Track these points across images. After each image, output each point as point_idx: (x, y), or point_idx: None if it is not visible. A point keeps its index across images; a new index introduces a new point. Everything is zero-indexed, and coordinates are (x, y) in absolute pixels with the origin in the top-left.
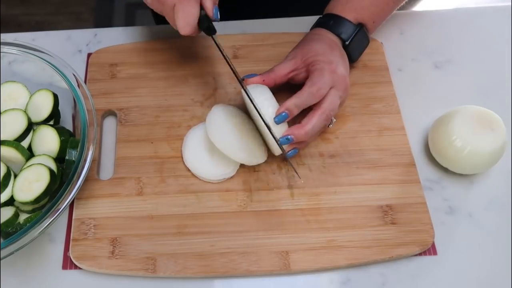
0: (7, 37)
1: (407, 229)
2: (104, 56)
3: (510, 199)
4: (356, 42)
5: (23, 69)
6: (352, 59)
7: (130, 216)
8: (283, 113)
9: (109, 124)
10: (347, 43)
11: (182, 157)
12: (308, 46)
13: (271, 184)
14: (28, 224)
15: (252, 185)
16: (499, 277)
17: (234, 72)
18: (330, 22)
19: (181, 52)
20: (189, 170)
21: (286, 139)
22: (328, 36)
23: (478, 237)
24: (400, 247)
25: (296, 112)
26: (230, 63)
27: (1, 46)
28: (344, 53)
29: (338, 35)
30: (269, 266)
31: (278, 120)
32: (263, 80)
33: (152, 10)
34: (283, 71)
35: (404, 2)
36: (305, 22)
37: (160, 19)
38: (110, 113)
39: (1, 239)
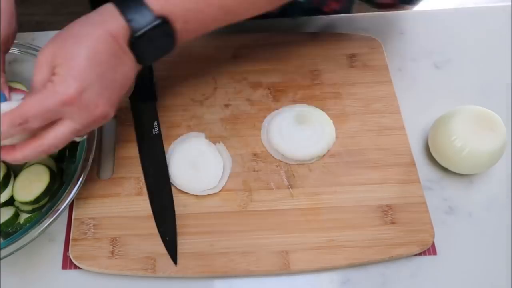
0: None
1: (407, 229)
2: None
3: (510, 199)
4: (150, 40)
5: (23, 69)
6: (142, 61)
7: (129, 216)
8: None
9: (109, 124)
10: (137, 34)
11: None
12: (62, 45)
13: (271, 184)
14: (28, 224)
15: (252, 185)
16: (499, 277)
17: None
18: (127, 1)
19: (180, 51)
20: None
21: None
22: (108, 23)
23: (478, 237)
24: (400, 247)
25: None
26: None
27: None
28: (127, 56)
29: (128, 21)
30: (269, 266)
31: None
32: None
33: None
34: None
35: (236, 19)
36: (305, 22)
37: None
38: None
39: (1, 239)
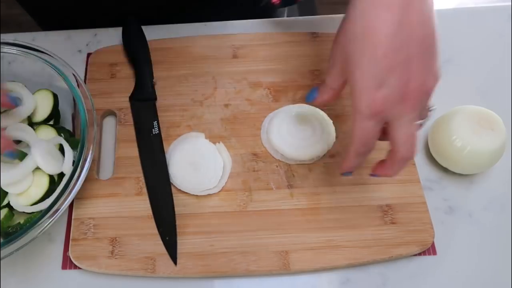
0: (7, 37)
1: (407, 229)
2: (104, 56)
3: (510, 199)
4: None
5: (23, 69)
6: None
7: (129, 216)
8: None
9: (109, 124)
10: None
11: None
12: (345, 36)
13: (271, 184)
14: (28, 224)
15: (252, 185)
16: (499, 277)
17: None
18: None
19: (180, 51)
20: None
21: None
22: None
23: (478, 237)
24: (400, 246)
25: (356, 167)
26: None
27: (1, 46)
28: (420, 9)
29: None
30: (268, 266)
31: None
32: (324, 100)
33: None
34: (337, 84)
35: None
36: (305, 22)
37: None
38: (110, 113)
39: (1, 239)
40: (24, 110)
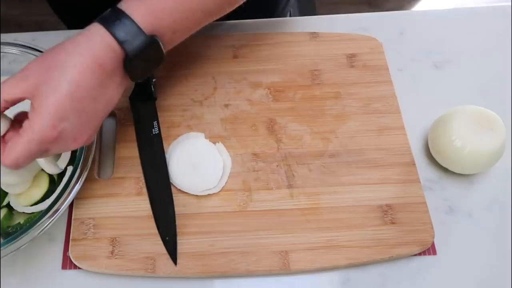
0: (7, 37)
1: (407, 229)
2: None
3: (510, 199)
4: (143, 59)
5: None
6: (134, 77)
7: (129, 216)
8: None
9: (109, 124)
10: (130, 56)
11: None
12: (45, 76)
13: (271, 184)
14: (28, 224)
15: (251, 185)
16: (499, 277)
17: None
18: (115, 21)
19: (180, 51)
20: None
21: None
22: (97, 48)
23: (478, 237)
24: (400, 246)
25: None
26: None
27: (1, 46)
28: (113, 79)
29: (121, 43)
30: (268, 266)
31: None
32: None
33: None
34: (10, 97)
35: (219, 15)
36: (305, 22)
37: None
38: (110, 113)
39: (1, 239)
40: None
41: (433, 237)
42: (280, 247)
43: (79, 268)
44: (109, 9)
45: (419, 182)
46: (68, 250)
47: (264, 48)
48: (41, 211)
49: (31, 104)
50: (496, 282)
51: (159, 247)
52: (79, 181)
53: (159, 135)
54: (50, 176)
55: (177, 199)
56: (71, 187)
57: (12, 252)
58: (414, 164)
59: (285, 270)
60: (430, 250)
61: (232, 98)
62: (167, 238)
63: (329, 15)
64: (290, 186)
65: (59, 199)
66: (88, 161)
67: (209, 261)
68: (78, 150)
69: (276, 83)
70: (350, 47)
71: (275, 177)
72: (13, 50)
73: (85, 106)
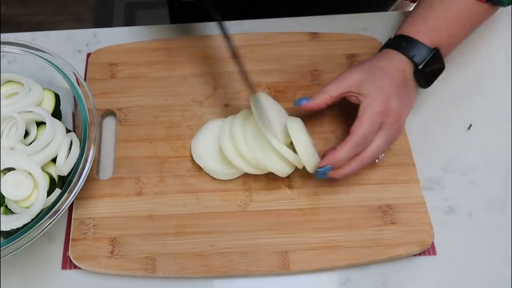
0: (7, 37)
1: (407, 229)
2: (104, 56)
3: (510, 199)
4: (430, 67)
5: (23, 68)
6: (423, 85)
7: (129, 216)
8: (327, 167)
9: (109, 124)
10: (420, 67)
11: (182, 157)
12: (368, 72)
13: (271, 184)
14: (28, 224)
15: (252, 185)
16: (499, 277)
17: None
18: (403, 44)
19: (180, 51)
20: (188, 170)
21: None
22: (396, 60)
23: (478, 237)
24: (400, 247)
25: (342, 164)
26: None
27: (1, 46)
28: (411, 83)
29: (411, 58)
30: (268, 266)
31: (321, 172)
32: (316, 104)
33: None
34: (335, 93)
35: (480, 25)
36: (305, 22)
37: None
38: (110, 113)
39: (1, 239)
40: (34, 96)
41: (433, 237)
42: (280, 247)
43: (79, 268)
44: (395, 36)
45: (419, 182)
46: (68, 250)
47: (264, 48)
48: (41, 211)
49: (361, 93)
50: (496, 282)
51: (159, 247)
52: (80, 181)
53: None
54: (50, 176)
55: (178, 198)
56: (71, 187)
57: (12, 252)
58: (414, 164)
59: (285, 270)
60: (430, 250)
61: (232, 98)
62: None
63: (329, 15)
64: (290, 186)
65: (59, 199)
66: (88, 161)
67: (209, 261)
68: (79, 150)
69: (276, 83)
70: (350, 47)
71: (275, 177)
72: (13, 49)
73: (401, 91)
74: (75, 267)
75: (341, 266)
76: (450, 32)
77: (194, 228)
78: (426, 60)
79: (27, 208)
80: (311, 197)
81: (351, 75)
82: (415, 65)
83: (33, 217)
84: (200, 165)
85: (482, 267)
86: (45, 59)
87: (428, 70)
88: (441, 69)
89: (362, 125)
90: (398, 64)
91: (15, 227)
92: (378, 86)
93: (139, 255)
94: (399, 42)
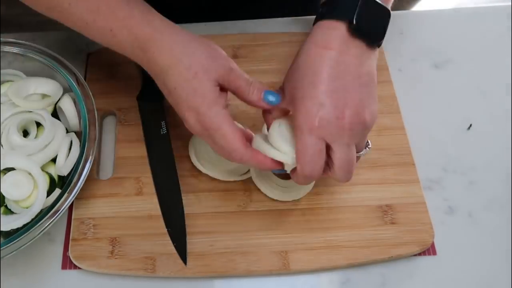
0: (7, 37)
1: (407, 229)
2: (104, 56)
3: (510, 199)
4: (368, 16)
5: (23, 68)
6: (374, 41)
7: (129, 216)
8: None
9: (109, 124)
10: (354, 22)
11: (182, 157)
12: (292, 68)
13: None
14: (28, 224)
15: (252, 185)
16: (499, 277)
17: None
18: (324, 9)
19: None
20: (188, 170)
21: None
22: (325, 34)
23: (478, 237)
24: (400, 247)
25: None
26: None
27: (1, 45)
28: (354, 54)
29: (340, 19)
30: (268, 266)
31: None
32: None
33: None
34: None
35: None
36: (305, 22)
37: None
38: (110, 113)
39: (1, 239)
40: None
41: (433, 237)
42: (280, 247)
43: (79, 268)
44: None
45: (419, 182)
46: (68, 250)
47: (264, 48)
48: (41, 211)
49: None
50: (496, 282)
51: (159, 247)
52: (80, 181)
53: (167, 135)
54: (50, 176)
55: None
56: (71, 187)
57: (12, 252)
58: (414, 164)
59: (285, 270)
60: (430, 250)
61: (232, 98)
62: (176, 238)
63: None
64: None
65: (59, 199)
66: (88, 161)
67: (209, 261)
68: (80, 150)
69: (276, 83)
70: None
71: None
72: (14, 49)
73: (357, 91)
74: (75, 267)
75: (341, 266)
76: None
77: (194, 228)
78: (357, 10)
79: (27, 208)
80: (311, 197)
81: (284, 85)
82: (349, 23)
83: (33, 217)
84: (196, 166)
85: (482, 267)
86: (45, 59)
87: (369, 21)
88: (385, 15)
89: (297, 152)
90: (316, 40)
91: (15, 227)
92: (307, 81)
93: (139, 255)
94: (322, 9)
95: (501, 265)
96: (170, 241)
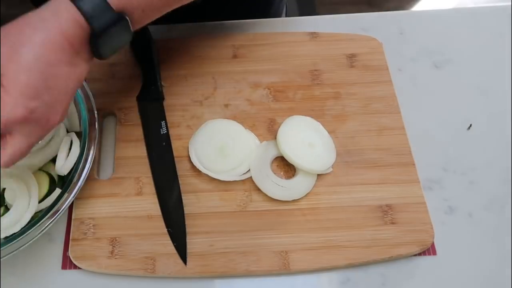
0: None
1: (407, 229)
2: None
3: (510, 199)
4: (110, 35)
5: None
6: (100, 55)
7: (129, 216)
8: None
9: (109, 124)
10: (97, 32)
11: (182, 157)
12: (14, 51)
13: None
14: (28, 224)
15: (251, 185)
16: (499, 277)
17: None
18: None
19: (180, 51)
20: (188, 170)
21: None
22: (63, 22)
23: (478, 237)
24: (400, 247)
25: None
26: None
27: None
28: (77, 57)
29: (88, 19)
30: (268, 266)
31: None
32: None
33: None
34: None
35: (182, 2)
36: (305, 22)
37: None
38: (110, 113)
39: (1, 239)
40: None
41: (433, 237)
42: (280, 247)
43: (79, 268)
44: None
45: (419, 182)
46: (68, 250)
47: (264, 48)
48: (41, 211)
49: (2, 84)
50: (496, 282)
51: (159, 247)
52: (80, 181)
53: (167, 134)
54: (50, 176)
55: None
56: (71, 187)
57: (12, 252)
58: (414, 164)
59: (285, 270)
60: (430, 250)
61: (232, 98)
62: (176, 238)
63: (329, 15)
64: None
65: (59, 199)
66: (88, 161)
67: (209, 261)
68: (80, 150)
69: (276, 83)
70: (350, 47)
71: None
72: None
73: (56, 84)
74: (75, 267)
75: (341, 266)
76: None
77: (194, 228)
78: (106, 26)
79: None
80: (310, 197)
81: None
82: (92, 29)
83: (22, 226)
84: (196, 166)
85: (482, 267)
86: None
87: (110, 39)
88: (126, 39)
89: None
90: (65, 32)
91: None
92: (19, 80)
93: (139, 255)
94: None
95: (501, 265)
96: (170, 241)
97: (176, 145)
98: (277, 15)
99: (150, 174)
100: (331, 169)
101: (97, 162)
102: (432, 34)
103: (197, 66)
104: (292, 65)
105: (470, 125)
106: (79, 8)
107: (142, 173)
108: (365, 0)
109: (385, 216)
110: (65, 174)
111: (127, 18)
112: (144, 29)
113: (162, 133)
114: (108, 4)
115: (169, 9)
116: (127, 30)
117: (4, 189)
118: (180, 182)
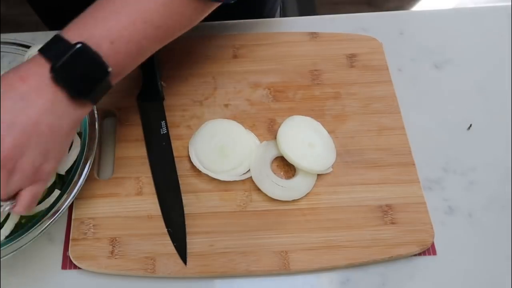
0: (7, 37)
1: (407, 229)
2: None
3: (510, 199)
4: (74, 69)
5: None
6: (75, 94)
7: (129, 216)
8: None
9: (109, 124)
10: (56, 65)
11: (182, 157)
12: None
13: None
14: (28, 224)
15: (251, 185)
16: (499, 277)
17: None
18: (45, 44)
19: (180, 51)
20: (188, 170)
21: None
22: (29, 67)
23: (478, 237)
24: (400, 247)
25: None
26: None
27: (1, 45)
28: (50, 100)
29: (48, 58)
30: (268, 266)
31: None
32: None
33: None
34: None
35: (169, 34)
36: (305, 22)
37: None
38: (110, 113)
39: (1, 239)
40: None
41: (433, 237)
42: (280, 247)
43: (79, 268)
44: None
45: (419, 182)
46: (68, 250)
47: (264, 48)
48: (41, 211)
49: None
50: (496, 282)
51: (159, 247)
52: (80, 181)
53: (167, 134)
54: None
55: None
56: (71, 187)
57: (12, 252)
58: (414, 164)
59: (285, 270)
60: (430, 250)
61: (232, 98)
62: (176, 238)
63: (329, 15)
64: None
65: (59, 199)
66: (88, 161)
67: (209, 261)
68: (80, 150)
69: (276, 83)
70: (350, 47)
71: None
72: (13, 50)
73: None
74: (75, 267)
75: (341, 266)
76: (110, 26)
77: (194, 228)
78: (65, 57)
79: None
80: (310, 197)
81: None
82: (52, 64)
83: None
84: (196, 166)
85: (482, 267)
86: None
87: (73, 71)
88: (100, 74)
89: None
90: (22, 70)
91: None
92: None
93: (139, 255)
94: (48, 44)
95: (501, 265)
96: (170, 241)
97: (176, 145)
98: (271, 15)
99: (150, 174)
100: (331, 169)
101: (97, 162)
102: (432, 34)
103: (197, 66)
104: (292, 65)
105: (470, 125)
106: (40, 52)
107: (142, 173)
108: (365, 0)
109: (385, 216)
110: (64, 173)
111: (89, 48)
112: None
113: (162, 133)
114: (64, 39)
115: (154, 45)
116: (94, 62)
117: None
118: (180, 182)
